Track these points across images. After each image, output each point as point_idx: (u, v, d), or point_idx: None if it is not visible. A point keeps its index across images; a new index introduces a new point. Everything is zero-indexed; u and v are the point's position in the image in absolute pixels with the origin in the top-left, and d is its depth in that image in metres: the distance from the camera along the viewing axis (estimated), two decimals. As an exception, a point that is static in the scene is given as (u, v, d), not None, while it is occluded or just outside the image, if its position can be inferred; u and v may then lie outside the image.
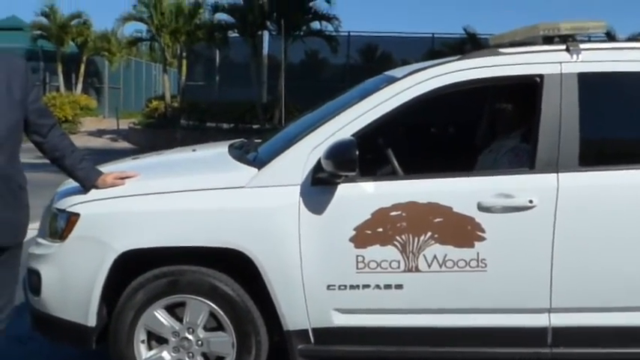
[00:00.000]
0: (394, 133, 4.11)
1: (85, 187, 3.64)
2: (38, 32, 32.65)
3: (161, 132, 23.49)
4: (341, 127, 3.56)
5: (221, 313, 3.60)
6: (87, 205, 3.61)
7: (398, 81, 3.66)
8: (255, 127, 22.29)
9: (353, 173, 3.41)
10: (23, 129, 3.38)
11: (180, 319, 3.65)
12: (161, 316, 3.64)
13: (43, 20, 32.33)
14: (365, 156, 3.47)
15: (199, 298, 3.60)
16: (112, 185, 3.63)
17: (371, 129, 3.59)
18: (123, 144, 24.28)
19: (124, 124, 28.42)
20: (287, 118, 21.92)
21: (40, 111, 3.46)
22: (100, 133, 27.87)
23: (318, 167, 3.47)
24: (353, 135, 3.48)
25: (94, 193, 3.64)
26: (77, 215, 3.60)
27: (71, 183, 3.83)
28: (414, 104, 3.59)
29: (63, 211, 3.68)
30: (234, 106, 22.97)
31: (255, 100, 22.60)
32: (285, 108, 21.87)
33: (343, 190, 3.49)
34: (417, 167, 3.67)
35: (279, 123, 21.96)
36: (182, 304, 3.64)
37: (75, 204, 3.64)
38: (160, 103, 26.17)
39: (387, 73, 4.30)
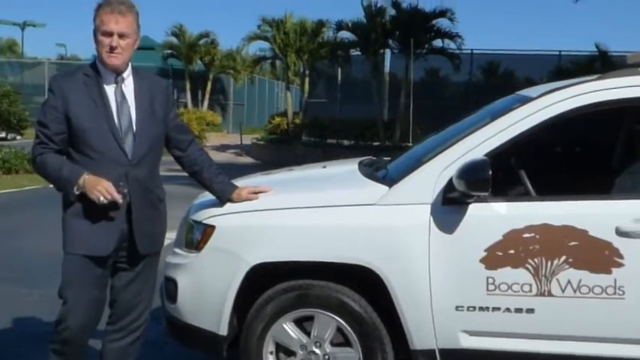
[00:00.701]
0: (527, 153, 4.03)
1: (222, 200, 3.77)
2: (169, 51, 34.20)
3: (283, 147, 24.00)
4: (473, 146, 3.52)
5: (348, 328, 3.62)
6: (222, 218, 3.74)
7: (533, 101, 3.59)
8: (375, 144, 22.39)
9: (485, 193, 3.37)
10: (164, 144, 3.56)
11: (308, 333, 3.70)
12: (289, 328, 3.71)
13: (173, 40, 33.85)
14: (497, 176, 3.42)
15: (327, 313, 3.64)
16: (247, 199, 3.74)
17: (504, 149, 3.53)
18: (246, 159, 24.97)
19: (247, 140, 29.22)
20: (408, 136, 21.82)
21: (180, 127, 3.65)
22: (224, 147, 28.79)
23: (449, 187, 3.45)
24: (485, 155, 3.44)
25: (228, 207, 3.76)
26: (213, 227, 3.73)
27: (207, 196, 3.98)
28: (549, 124, 3.51)
29: (199, 223, 3.82)
30: (355, 123, 23.16)
31: (376, 117, 22.69)
32: (407, 125, 21.87)
33: (475, 210, 3.45)
34: (550, 189, 3.57)
35: (400, 140, 21.98)
36: (310, 318, 3.69)
37: (211, 216, 3.77)
38: (282, 119, 26.76)
39: (519, 92, 4.23)
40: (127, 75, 3.40)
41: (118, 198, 3.19)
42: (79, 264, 3.35)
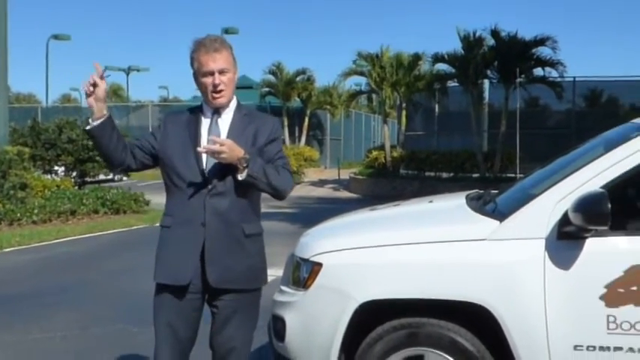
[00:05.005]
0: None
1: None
2: (266, 89, 34.89)
3: (381, 181, 23.97)
4: (589, 178, 3.39)
5: (460, 368, 3.51)
6: (329, 255, 3.71)
7: (652, 129, 3.43)
8: (475, 175, 22.04)
9: (604, 227, 3.22)
10: None
11: (417, 372, 3.60)
12: (399, 368, 3.62)
13: (271, 78, 34.54)
14: (615, 209, 3.26)
15: (438, 351, 3.54)
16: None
17: (622, 181, 3.39)
18: (344, 193, 25.02)
19: (345, 174, 29.32)
20: (508, 167, 21.30)
21: (273, 159, 3.38)
22: (322, 183, 28.98)
23: (564, 220, 3.32)
24: (602, 187, 3.30)
25: (335, 244, 3.74)
26: (320, 265, 3.70)
27: (311, 233, 3.96)
28: (671, 153, 3.34)
29: (306, 260, 3.80)
30: (453, 155, 22.97)
31: (475, 148, 22.36)
32: (507, 156, 21.42)
33: (592, 245, 3.31)
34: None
35: (500, 171, 21.54)
36: (420, 357, 3.59)
37: (318, 254, 3.75)
38: (379, 153, 26.75)
39: (635, 121, 4.05)
40: (229, 110, 3.38)
41: (95, 75, 3.17)
42: (161, 294, 3.35)
